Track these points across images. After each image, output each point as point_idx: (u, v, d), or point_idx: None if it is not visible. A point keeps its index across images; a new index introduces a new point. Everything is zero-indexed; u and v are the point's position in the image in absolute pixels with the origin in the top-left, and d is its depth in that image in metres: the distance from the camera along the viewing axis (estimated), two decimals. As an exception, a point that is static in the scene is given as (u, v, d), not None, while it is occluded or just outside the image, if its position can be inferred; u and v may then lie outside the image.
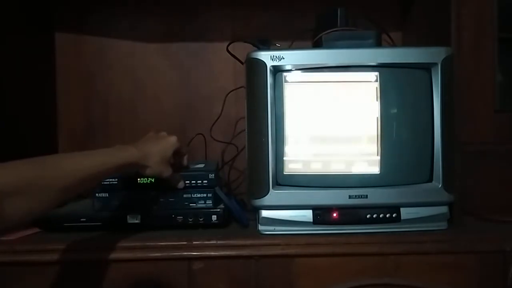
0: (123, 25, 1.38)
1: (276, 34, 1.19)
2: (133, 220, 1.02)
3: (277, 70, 0.97)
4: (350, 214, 0.98)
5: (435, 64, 0.97)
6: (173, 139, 0.98)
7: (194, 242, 0.94)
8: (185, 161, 1.05)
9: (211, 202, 1.03)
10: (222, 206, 1.04)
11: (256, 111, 0.97)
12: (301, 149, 0.99)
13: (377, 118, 0.99)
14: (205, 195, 1.04)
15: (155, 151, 0.93)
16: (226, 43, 1.16)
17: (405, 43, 1.33)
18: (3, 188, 0.63)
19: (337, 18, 1.08)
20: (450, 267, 0.95)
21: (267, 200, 0.97)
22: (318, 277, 0.95)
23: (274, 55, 0.96)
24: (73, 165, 0.76)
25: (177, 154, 0.99)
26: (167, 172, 0.96)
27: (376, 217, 0.98)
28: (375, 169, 0.99)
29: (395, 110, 1.00)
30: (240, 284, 0.95)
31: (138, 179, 1.04)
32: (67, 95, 1.38)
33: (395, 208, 0.98)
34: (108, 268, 0.94)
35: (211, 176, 1.05)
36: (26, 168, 0.68)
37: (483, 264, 0.96)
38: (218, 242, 0.95)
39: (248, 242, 0.95)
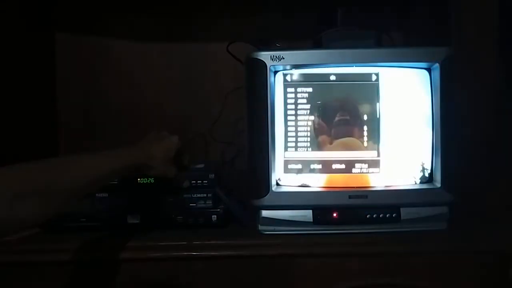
0: (123, 25, 1.38)
1: (276, 34, 1.18)
2: (133, 220, 1.02)
3: (277, 70, 0.97)
4: (350, 214, 0.98)
5: (435, 64, 0.97)
6: (175, 138, 0.98)
7: (194, 242, 0.94)
8: (186, 160, 1.05)
9: (211, 202, 1.03)
10: (222, 206, 1.04)
11: (256, 111, 0.97)
12: (301, 149, 0.99)
13: (377, 118, 0.99)
14: (205, 195, 1.04)
15: (159, 151, 0.93)
16: (226, 43, 1.16)
17: (405, 43, 1.33)
18: (16, 190, 0.64)
19: (337, 18, 1.08)
20: (450, 267, 0.95)
21: (267, 200, 0.97)
22: (318, 277, 0.95)
23: (274, 55, 0.96)
24: (82, 167, 0.76)
25: (178, 153, 0.99)
26: (171, 172, 0.96)
27: (376, 217, 0.98)
28: (375, 169, 0.99)
29: (395, 110, 1.00)
30: (240, 284, 0.95)
31: (138, 179, 1.04)
32: (67, 95, 1.38)
33: (395, 208, 0.98)
34: (108, 268, 0.94)
35: (211, 176, 1.05)
36: (38, 170, 0.69)
37: (483, 264, 0.96)
38: (218, 242, 0.95)
39: (248, 242, 0.95)
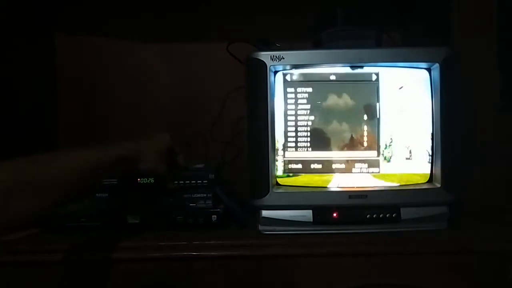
0: (123, 25, 1.38)
1: (276, 34, 1.18)
2: (133, 220, 1.02)
3: (277, 70, 0.97)
4: (350, 214, 0.98)
5: (435, 64, 0.97)
6: (165, 136, 0.97)
7: (194, 242, 0.94)
8: (180, 160, 1.04)
9: (211, 202, 1.03)
10: (222, 206, 1.04)
11: (256, 111, 0.97)
12: (301, 149, 0.99)
13: (377, 118, 0.99)
14: (205, 195, 1.04)
15: (149, 146, 0.93)
16: (226, 43, 1.16)
17: (405, 43, 1.33)
18: (9, 186, 0.64)
19: (337, 18, 1.08)
20: (450, 267, 0.95)
21: (267, 200, 0.97)
22: (318, 277, 0.95)
23: (274, 55, 0.96)
24: (72, 160, 0.77)
25: (172, 152, 0.99)
26: (161, 167, 0.95)
27: (376, 217, 0.98)
28: (375, 169, 0.99)
29: (395, 110, 1.00)
30: (240, 284, 0.95)
31: (138, 179, 1.04)
32: (67, 95, 1.38)
33: (395, 208, 0.98)
34: (108, 268, 0.94)
35: (211, 176, 1.05)
36: (30, 165, 0.70)
37: (483, 264, 0.96)
38: (218, 242, 0.95)
39: (248, 242, 0.95)
